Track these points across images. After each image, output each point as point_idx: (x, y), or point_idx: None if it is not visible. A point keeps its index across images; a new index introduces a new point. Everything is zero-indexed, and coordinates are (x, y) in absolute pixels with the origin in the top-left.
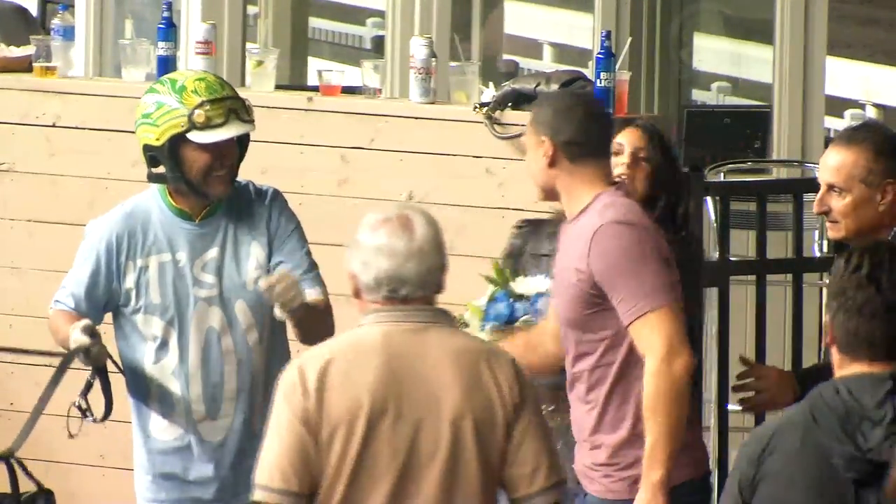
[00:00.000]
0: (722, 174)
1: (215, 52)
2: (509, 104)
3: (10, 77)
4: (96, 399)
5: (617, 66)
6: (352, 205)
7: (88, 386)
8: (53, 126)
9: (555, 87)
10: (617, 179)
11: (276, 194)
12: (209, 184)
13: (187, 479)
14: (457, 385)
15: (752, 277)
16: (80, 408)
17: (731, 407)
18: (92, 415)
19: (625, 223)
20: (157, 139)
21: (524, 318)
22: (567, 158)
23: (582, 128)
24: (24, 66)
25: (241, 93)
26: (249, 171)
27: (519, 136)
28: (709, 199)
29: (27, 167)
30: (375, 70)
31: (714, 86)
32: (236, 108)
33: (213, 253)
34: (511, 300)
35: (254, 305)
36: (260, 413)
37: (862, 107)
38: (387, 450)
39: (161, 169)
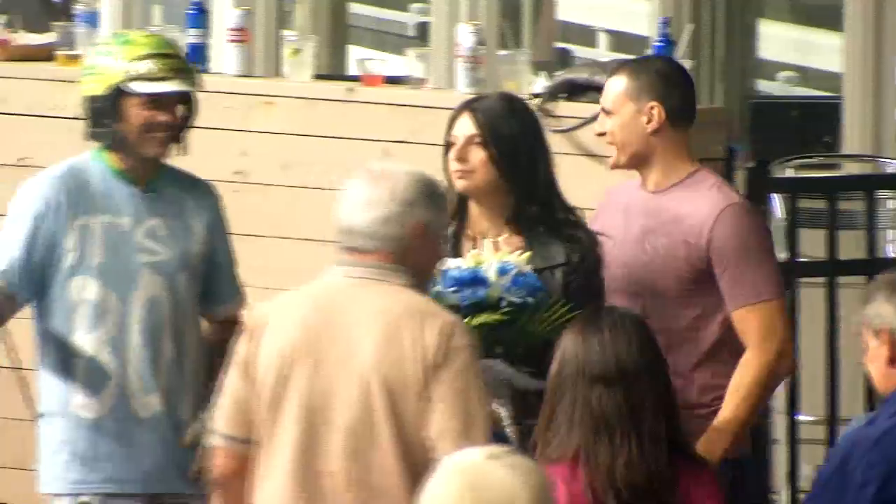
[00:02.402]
0: (790, 170)
1: (249, 40)
2: (563, 95)
3: (30, 66)
4: None
5: (677, 55)
6: None
7: None
8: (76, 118)
9: None
10: (458, 177)
11: (215, 189)
12: (145, 142)
13: (115, 458)
14: (371, 341)
15: (823, 280)
16: None
17: (801, 417)
18: None
19: (753, 209)
20: (97, 88)
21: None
22: (671, 126)
23: (685, 94)
24: (44, 54)
25: (277, 82)
26: (286, 164)
27: (573, 129)
28: (776, 196)
29: (47, 161)
30: (420, 59)
31: (781, 76)
32: (182, 68)
33: (157, 221)
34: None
35: (194, 280)
36: (188, 398)
37: None
38: (299, 400)
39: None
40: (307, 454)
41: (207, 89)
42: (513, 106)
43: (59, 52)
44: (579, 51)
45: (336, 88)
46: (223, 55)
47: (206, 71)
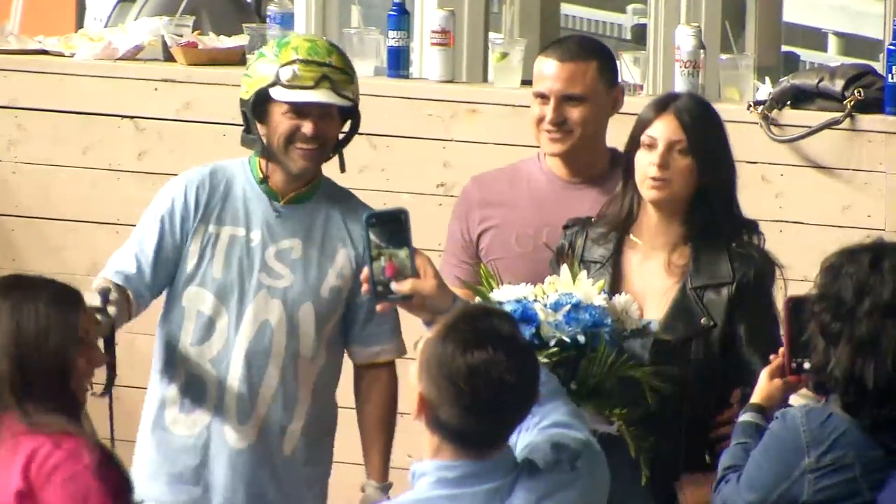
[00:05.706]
0: None
1: (453, 43)
2: (788, 102)
3: (220, 71)
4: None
5: None
6: None
7: None
8: None
9: (840, 82)
10: (653, 185)
11: None
12: (290, 154)
13: (197, 483)
14: None
15: None
16: None
17: None
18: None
19: None
20: (247, 92)
21: None
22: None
23: None
24: (235, 58)
25: (482, 88)
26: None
27: (799, 138)
28: None
29: None
30: (636, 63)
31: None
32: (333, 78)
33: (292, 243)
34: None
35: (322, 314)
36: (291, 435)
37: None
38: None
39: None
40: None
41: (408, 96)
42: (708, 107)
43: (250, 56)
44: (807, 55)
45: None
46: (425, 59)
47: (407, 76)
